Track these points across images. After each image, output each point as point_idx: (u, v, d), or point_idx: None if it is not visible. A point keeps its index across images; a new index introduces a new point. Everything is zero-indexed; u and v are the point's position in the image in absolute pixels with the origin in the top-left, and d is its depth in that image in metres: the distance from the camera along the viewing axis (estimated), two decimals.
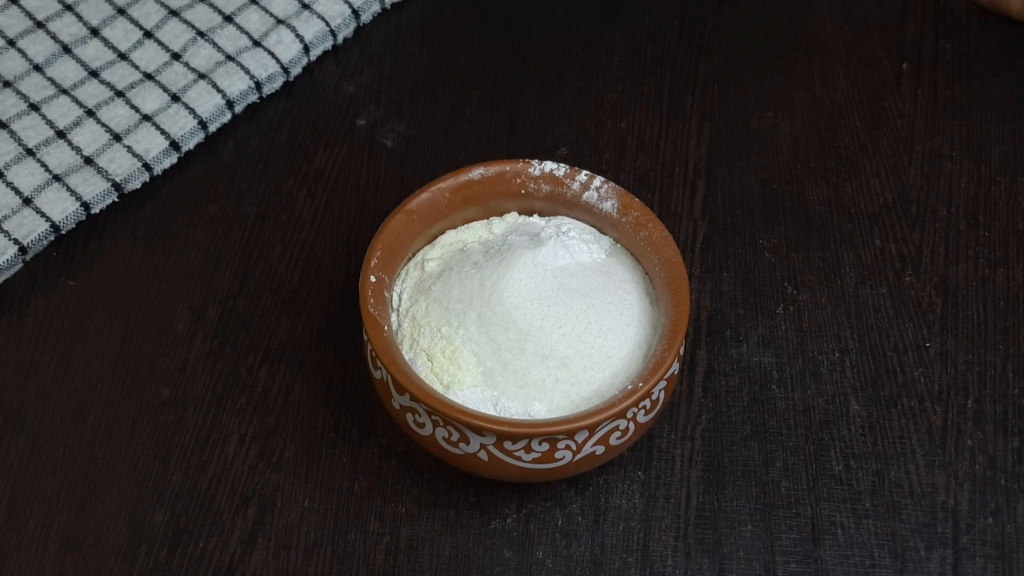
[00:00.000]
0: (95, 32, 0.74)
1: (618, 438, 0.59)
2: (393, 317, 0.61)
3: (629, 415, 0.58)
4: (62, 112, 0.71)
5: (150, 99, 0.71)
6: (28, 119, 0.70)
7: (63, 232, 0.68)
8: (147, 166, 0.70)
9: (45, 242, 0.68)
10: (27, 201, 0.68)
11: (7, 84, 0.72)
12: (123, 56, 0.73)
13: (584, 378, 0.59)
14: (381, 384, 0.60)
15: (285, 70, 0.73)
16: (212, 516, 0.61)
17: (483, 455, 0.58)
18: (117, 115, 0.71)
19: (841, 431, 0.64)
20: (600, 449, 0.58)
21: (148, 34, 0.74)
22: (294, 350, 0.66)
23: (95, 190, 0.68)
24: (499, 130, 0.73)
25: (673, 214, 0.70)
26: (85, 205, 0.68)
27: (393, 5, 0.77)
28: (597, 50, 0.76)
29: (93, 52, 0.73)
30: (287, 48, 0.73)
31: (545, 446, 0.57)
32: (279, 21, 0.74)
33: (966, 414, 0.64)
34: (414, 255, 0.63)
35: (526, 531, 0.61)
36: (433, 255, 0.63)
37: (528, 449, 0.57)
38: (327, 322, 0.66)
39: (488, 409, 0.58)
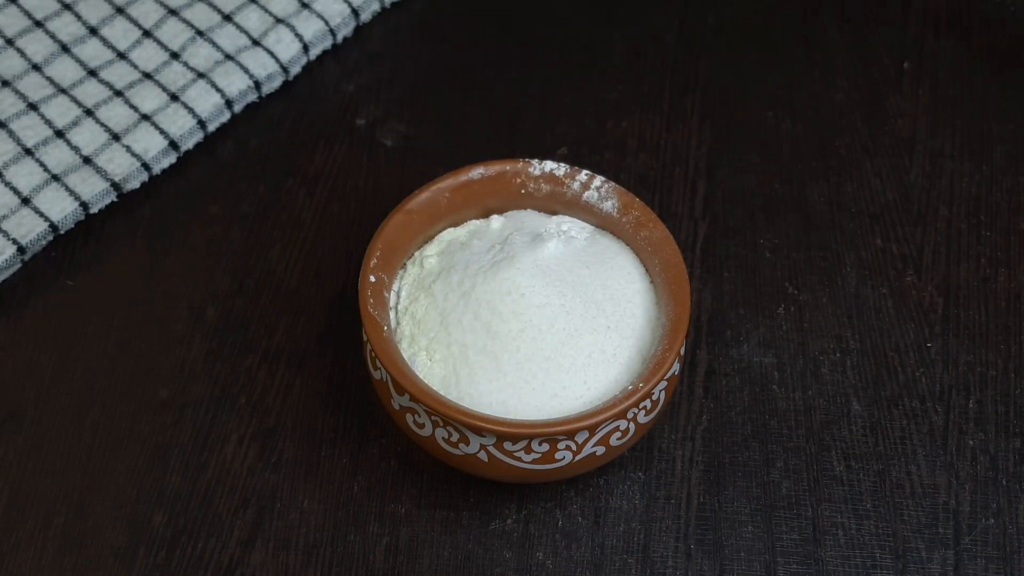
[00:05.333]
0: (94, 31, 0.74)
1: (618, 439, 0.58)
2: (392, 315, 0.61)
3: (629, 415, 0.58)
4: (61, 111, 0.71)
5: (149, 98, 0.71)
6: (27, 118, 0.70)
7: (62, 232, 0.68)
8: (146, 166, 0.70)
9: (44, 242, 0.68)
10: (26, 201, 0.68)
11: (6, 83, 0.72)
12: (122, 55, 0.73)
13: (584, 378, 0.59)
14: (381, 384, 0.60)
15: (284, 69, 0.73)
16: (211, 517, 0.61)
17: (483, 456, 0.58)
18: (116, 114, 0.71)
19: (842, 431, 0.64)
20: (600, 450, 0.58)
21: (147, 33, 0.73)
22: (293, 350, 0.66)
23: (94, 190, 0.68)
24: (499, 130, 0.73)
25: (673, 214, 0.70)
26: (84, 205, 0.68)
27: (393, 4, 0.77)
28: (597, 50, 0.76)
29: (92, 51, 0.73)
30: (286, 47, 0.73)
31: (545, 447, 0.57)
32: (278, 20, 0.74)
33: (967, 414, 0.64)
34: (413, 255, 0.63)
35: (526, 532, 0.61)
36: (432, 251, 0.62)
37: (528, 450, 0.57)
38: (326, 322, 0.66)
39: (488, 410, 0.58)
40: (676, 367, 0.60)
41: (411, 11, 0.77)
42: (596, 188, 0.63)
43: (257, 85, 0.72)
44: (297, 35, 0.73)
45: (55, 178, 0.69)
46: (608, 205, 0.63)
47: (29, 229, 0.67)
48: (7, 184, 0.68)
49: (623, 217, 0.62)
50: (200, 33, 0.73)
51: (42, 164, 0.69)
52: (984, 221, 0.70)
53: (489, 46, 0.76)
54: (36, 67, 0.72)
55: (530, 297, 0.59)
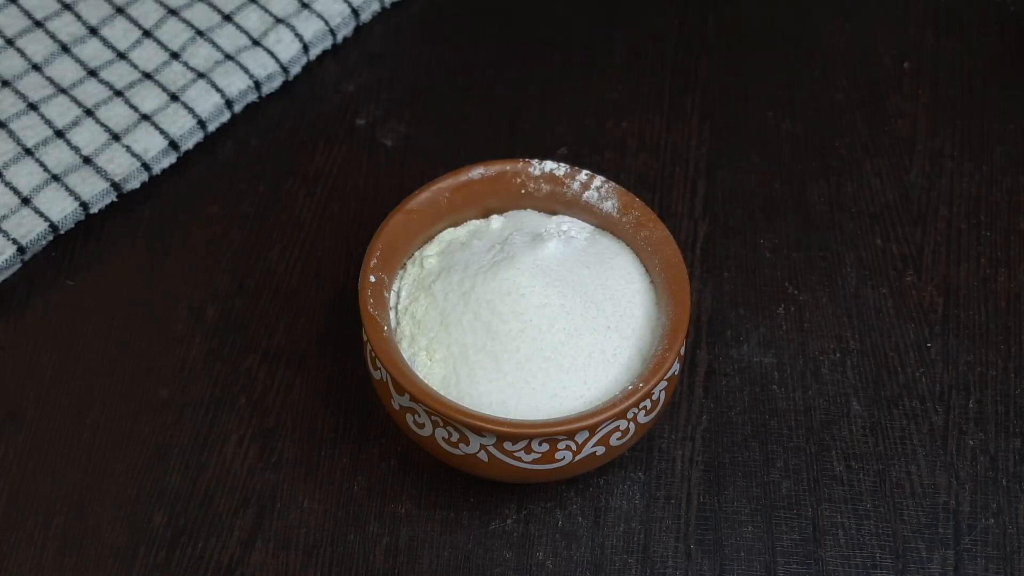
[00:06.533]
0: (94, 31, 0.74)
1: (618, 438, 0.58)
2: (392, 315, 0.61)
3: (629, 415, 0.58)
4: (61, 111, 0.71)
5: (149, 98, 0.71)
6: (27, 118, 0.70)
7: (62, 232, 0.68)
8: (146, 166, 0.70)
9: (44, 242, 0.68)
10: (26, 201, 0.68)
11: (6, 83, 0.72)
12: (122, 55, 0.73)
13: (584, 378, 0.59)
14: (381, 384, 0.60)
15: (284, 69, 0.73)
16: (211, 517, 0.61)
17: (483, 456, 0.58)
18: (116, 114, 0.71)
19: (842, 431, 0.64)
20: (600, 450, 0.58)
21: (147, 33, 0.73)
22: (293, 350, 0.66)
23: (94, 190, 0.68)
24: (499, 130, 0.73)
25: (673, 214, 0.70)
26: (84, 205, 0.68)
27: (393, 4, 0.77)
28: (597, 50, 0.76)
29: (92, 51, 0.73)
30: (286, 47, 0.73)
31: (545, 447, 0.57)
32: (278, 20, 0.74)
33: (967, 414, 0.64)
34: (413, 255, 0.63)
35: (526, 532, 0.61)
36: (432, 251, 0.62)
37: (528, 450, 0.57)
38: (326, 322, 0.66)
39: (488, 410, 0.58)
40: (676, 367, 0.60)
41: (411, 11, 0.77)
42: (596, 188, 0.63)
43: (257, 85, 0.72)
44: (297, 35, 0.73)
45: (55, 178, 0.69)
46: (608, 205, 0.63)
47: (29, 229, 0.67)
48: (7, 184, 0.68)
49: (623, 217, 0.62)
50: (200, 33, 0.73)
51: (42, 164, 0.69)
52: (984, 221, 0.70)
53: (489, 46, 0.76)
54: (36, 67, 0.72)
55: (530, 297, 0.59)
